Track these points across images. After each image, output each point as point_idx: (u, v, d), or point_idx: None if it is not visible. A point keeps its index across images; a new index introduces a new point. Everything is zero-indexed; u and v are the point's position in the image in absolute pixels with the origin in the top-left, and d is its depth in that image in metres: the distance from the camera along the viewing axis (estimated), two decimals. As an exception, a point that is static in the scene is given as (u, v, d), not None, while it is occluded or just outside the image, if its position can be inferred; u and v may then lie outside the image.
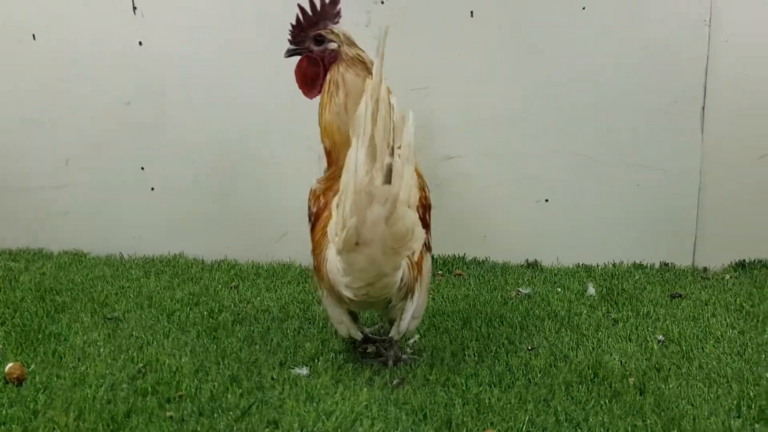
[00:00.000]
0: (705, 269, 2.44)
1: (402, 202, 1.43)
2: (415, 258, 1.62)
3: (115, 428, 1.41)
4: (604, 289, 2.23)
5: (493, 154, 2.39)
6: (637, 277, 2.37)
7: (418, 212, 1.60)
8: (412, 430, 1.43)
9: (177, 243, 2.52)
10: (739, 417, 1.47)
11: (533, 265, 2.48)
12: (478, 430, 1.41)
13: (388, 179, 1.41)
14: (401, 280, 1.58)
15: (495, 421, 1.44)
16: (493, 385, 1.62)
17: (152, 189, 2.49)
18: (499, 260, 2.50)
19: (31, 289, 2.17)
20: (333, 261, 1.57)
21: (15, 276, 2.28)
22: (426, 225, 1.70)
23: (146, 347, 1.79)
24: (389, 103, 1.45)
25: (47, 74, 2.42)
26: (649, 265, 2.46)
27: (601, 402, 1.52)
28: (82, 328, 1.90)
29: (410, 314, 1.68)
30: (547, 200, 2.43)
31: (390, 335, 1.74)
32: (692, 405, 1.51)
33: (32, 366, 1.67)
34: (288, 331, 1.92)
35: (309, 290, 2.25)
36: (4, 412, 1.46)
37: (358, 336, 1.75)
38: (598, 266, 2.46)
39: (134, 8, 2.34)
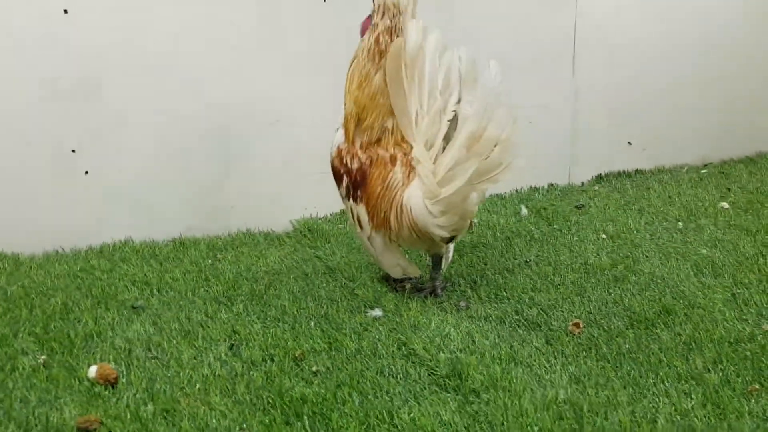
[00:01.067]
0: (583, 183, 3.04)
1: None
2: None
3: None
4: (531, 210, 2.67)
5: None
6: (539, 196, 2.87)
7: None
8: (509, 333, 1.70)
9: (121, 229, 2.33)
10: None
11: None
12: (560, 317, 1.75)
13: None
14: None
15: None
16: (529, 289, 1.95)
17: (86, 173, 2.26)
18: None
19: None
20: (421, 205, 1.75)
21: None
22: None
23: (209, 326, 1.75)
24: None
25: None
26: (541, 187, 2.98)
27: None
28: (112, 319, 1.76)
29: (452, 249, 1.96)
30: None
31: (440, 267, 1.96)
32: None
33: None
34: (318, 286, 2.00)
35: (300, 253, 2.29)
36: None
37: (417, 272, 1.94)
38: (505, 194, 2.90)
39: (57, -28, 2.08)
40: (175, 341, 1.66)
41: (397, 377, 1.51)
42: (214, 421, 1.34)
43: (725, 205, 2.64)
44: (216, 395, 1.44)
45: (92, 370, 1.50)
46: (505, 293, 1.93)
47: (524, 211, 2.65)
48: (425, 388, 1.47)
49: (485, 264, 2.16)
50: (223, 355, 1.61)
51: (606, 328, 1.73)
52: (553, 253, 2.22)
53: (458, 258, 2.19)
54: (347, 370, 1.53)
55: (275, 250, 2.33)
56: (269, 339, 1.67)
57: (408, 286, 2.01)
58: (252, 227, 2.50)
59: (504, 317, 1.79)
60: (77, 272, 2.09)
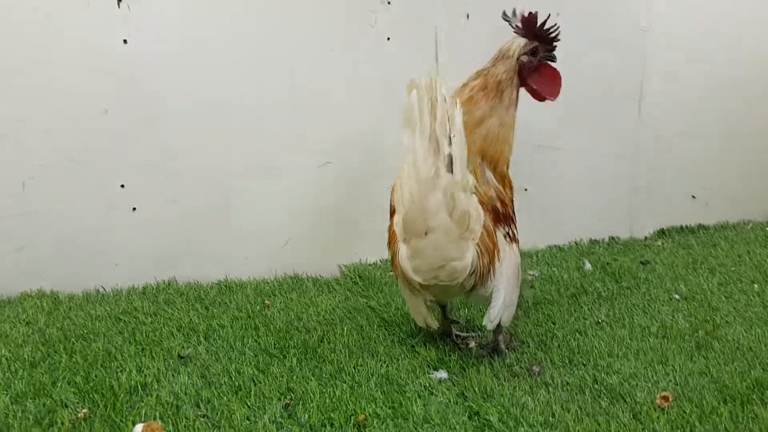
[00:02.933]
0: (646, 238, 2.89)
1: (462, 187, 1.56)
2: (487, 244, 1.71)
3: None
4: (596, 264, 2.52)
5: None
6: (600, 251, 2.72)
7: (501, 207, 1.77)
8: (590, 404, 1.54)
9: (163, 269, 2.22)
10: None
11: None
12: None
13: (450, 168, 1.55)
14: (471, 266, 1.65)
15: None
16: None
17: (134, 209, 2.16)
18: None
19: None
20: (403, 249, 1.66)
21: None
22: (509, 218, 1.81)
23: (262, 380, 1.61)
24: (444, 95, 1.57)
25: (5, 81, 1.96)
26: (601, 240, 2.83)
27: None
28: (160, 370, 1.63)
29: (499, 303, 1.75)
30: (526, 190, 2.65)
31: (483, 323, 1.78)
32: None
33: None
34: (387, 338, 1.86)
35: (349, 300, 2.17)
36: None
37: (435, 325, 1.84)
38: (565, 246, 2.76)
39: (119, 0, 2.01)
40: (226, 397, 1.53)
41: (473, 453, 1.36)
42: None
43: (801, 266, 2.48)
44: (274, 464, 1.29)
45: (138, 429, 1.37)
46: (579, 358, 1.77)
47: (588, 265, 2.49)
48: (506, 468, 1.31)
49: (553, 323, 2.00)
50: (278, 416, 1.47)
51: (697, 403, 1.55)
52: (626, 313, 2.06)
53: (522, 315, 2.04)
54: (417, 441, 1.38)
55: (325, 297, 2.19)
56: (327, 400, 1.53)
57: (472, 344, 1.86)
58: (299, 271, 2.38)
59: (583, 386, 1.63)
60: (119, 314, 1.97)
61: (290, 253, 2.35)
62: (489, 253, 1.72)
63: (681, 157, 2.90)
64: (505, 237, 1.79)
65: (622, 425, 1.46)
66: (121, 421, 1.42)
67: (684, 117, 2.86)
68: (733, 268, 2.48)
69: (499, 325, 1.79)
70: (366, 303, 2.14)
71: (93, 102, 2.05)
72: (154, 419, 1.42)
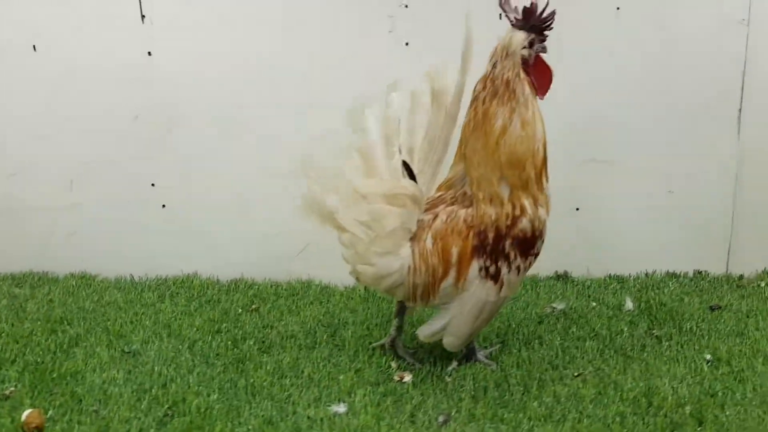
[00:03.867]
0: (741, 277, 2.36)
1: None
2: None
3: (148, 485, 1.31)
4: (642, 303, 2.14)
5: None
6: (672, 287, 2.29)
7: (493, 237, 1.64)
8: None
9: (189, 261, 2.40)
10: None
11: (563, 277, 2.39)
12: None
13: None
14: (388, 276, 1.66)
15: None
16: (544, 419, 1.53)
17: (163, 206, 2.37)
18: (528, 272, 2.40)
19: (40, 319, 2.04)
20: None
21: (21, 304, 2.15)
22: (499, 252, 1.66)
23: (170, 384, 1.68)
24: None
25: (48, 88, 2.28)
26: (682, 274, 2.38)
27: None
28: (99, 364, 1.78)
29: (439, 324, 1.72)
30: (577, 209, 2.33)
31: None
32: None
33: (50, 412, 1.55)
34: (318, 360, 1.81)
35: (333, 311, 2.14)
36: (26, 469, 1.35)
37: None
38: (630, 276, 2.37)
39: (143, 16, 2.21)
40: (122, 402, 1.62)
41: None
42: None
43: None
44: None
45: (24, 414, 1.54)
46: (507, 414, 1.54)
47: (629, 303, 2.12)
48: None
49: (525, 367, 1.76)
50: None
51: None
52: (619, 370, 1.73)
53: (501, 350, 1.83)
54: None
55: (316, 307, 2.18)
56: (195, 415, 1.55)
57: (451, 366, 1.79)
58: (314, 276, 2.39)
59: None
60: (110, 302, 2.18)
61: (306, 259, 2.37)
62: (431, 272, 1.66)
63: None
64: (480, 270, 1.65)
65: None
66: (34, 405, 1.60)
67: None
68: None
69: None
70: (354, 319, 2.09)
71: (124, 109, 2.28)
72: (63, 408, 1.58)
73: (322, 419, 1.54)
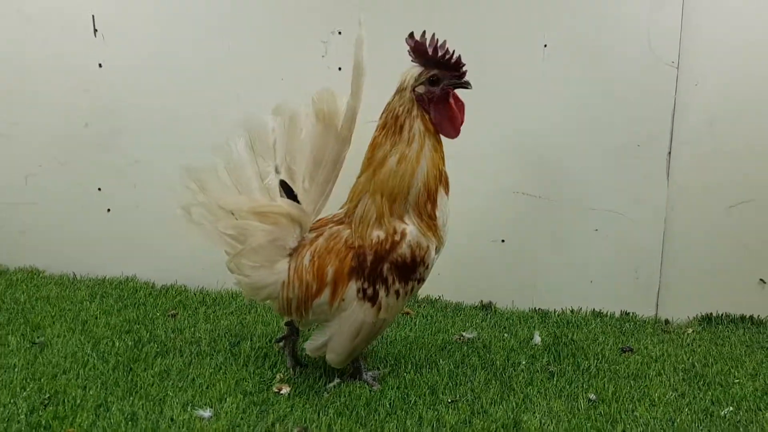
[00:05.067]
0: (667, 321, 2.32)
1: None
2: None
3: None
4: (552, 338, 2.13)
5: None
6: (593, 325, 2.27)
7: (371, 259, 1.68)
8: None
9: (130, 265, 2.51)
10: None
11: (487, 307, 2.39)
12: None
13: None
14: (261, 289, 1.73)
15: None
16: (394, 441, 1.55)
17: (108, 210, 2.48)
18: (452, 300, 2.42)
19: (-29, 306, 2.18)
20: None
21: (-39, 292, 2.30)
22: (376, 275, 1.69)
23: (60, 376, 1.77)
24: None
25: (7, 92, 2.44)
26: (609, 314, 2.35)
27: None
28: (4, 351, 1.89)
29: (320, 340, 1.76)
30: (503, 241, 2.34)
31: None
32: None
33: (-61, 390, 1.66)
34: (208, 367, 1.87)
35: (247, 323, 2.21)
36: None
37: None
38: (554, 312, 2.36)
39: (95, 30, 2.35)
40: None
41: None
42: None
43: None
44: None
45: None
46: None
47: (537, 338, 2.11)
48: None
49: (397, 389, 1.78)
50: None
51: None
52: (495, 402, 1.73)
53: (390, 372, 1.86)
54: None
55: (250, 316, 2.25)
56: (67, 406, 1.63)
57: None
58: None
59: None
60: (43, 296, 2.31)
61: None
62: (305, 288, 1.72)
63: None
64: (358, 292, 1.69)
65: None
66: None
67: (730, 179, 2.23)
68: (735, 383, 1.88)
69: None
70: (263, 331, 2.15)
71: (76, 115, 2.42)
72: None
73: (183, 421, 1.59)
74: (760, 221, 2.23)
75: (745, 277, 2.29)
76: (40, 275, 2.52)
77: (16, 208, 2.52)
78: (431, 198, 1.69)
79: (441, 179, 1.70)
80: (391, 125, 1.68)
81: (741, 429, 1.63)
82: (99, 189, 2.47)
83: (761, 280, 2.28)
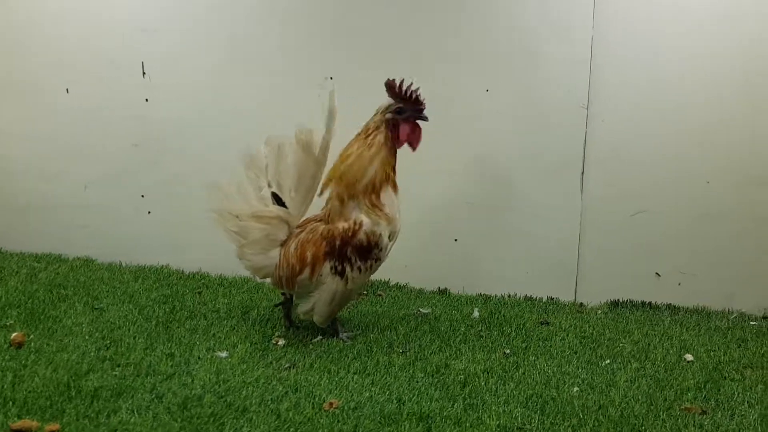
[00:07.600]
0: (581, 304, 2.95)
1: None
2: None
3: (77, 379, 2.03)
4: (488, 314, 2.76)
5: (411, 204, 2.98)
6: (524, 306, 2.90)
7: (339, 243, 2.32)
8: (283, 396, 2.00)
9: (165, 256, 3.18)
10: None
11: (443, 292, 3.04)
12: (328, 398, 1.98)
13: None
14: (260, 269, 2.41)
15: (343, 395, 2.01)
16: (356, 373, 2.18)
17: (149, 213, 3.16)
18: (415, 286, 3.07)
19: (45, 283, 2.84)
20: None
21: (35, 273, 2.97)
22: (344, 256, 2.34)
23: (116, 330, 2.42)
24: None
25: (77, 118, 3.15)
26: (537, 298, 2.99)
27: (429, 389, 2.07)
28: (74, 313, 2.56)
29: (307, 305, 2.39)
30: (456, 240, 2.99)
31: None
32: (495, 398, 2.04)
33: (31, 336, 2.32)
34: (225, 326, 2.52)
35: (256, 300, 2.86)
36: (4, 364, 2.10)
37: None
38: (495, 296, 3.00)
39: (144, 73, 3.05)
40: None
41: None
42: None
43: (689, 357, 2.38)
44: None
45: (13, 335, 2.30)
46: (330, 368, 2.21)
47: (476, 313, 2.74)
48: None
49: (364, 344, 2.42)
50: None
51: None
52: (434, 352, 2.37)
53: (361, 333, 2.50)
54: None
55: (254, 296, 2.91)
56: (122, 347, 2.28)
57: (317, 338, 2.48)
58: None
59: (301, 389, 2.09)
60: (99, 278, 2.97)
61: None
62: (291, 268, 2.35)
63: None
64: (331, 269, 2.33)
65: None
66: (26, 331, 2.37)
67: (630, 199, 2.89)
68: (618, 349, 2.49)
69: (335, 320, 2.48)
70: (267, 305, 2.79)
71: (127, 137, 3.12)
72: (40, 335, 2.34)
73: (206, 358, 2.24)
74: (655, 226, 2.87)
75: (644, 270, 2.92)
76: (94, 263, 3.20)
77: (77, 210, 3.20)
78: (376, 191, 2.32)
79: (388, 180, 2.34)
80: (363, 134, 2.36)
81: (612, 374, 2.25)
82: (142, 196, 3.16)
83: (657, 273, 2.91)
